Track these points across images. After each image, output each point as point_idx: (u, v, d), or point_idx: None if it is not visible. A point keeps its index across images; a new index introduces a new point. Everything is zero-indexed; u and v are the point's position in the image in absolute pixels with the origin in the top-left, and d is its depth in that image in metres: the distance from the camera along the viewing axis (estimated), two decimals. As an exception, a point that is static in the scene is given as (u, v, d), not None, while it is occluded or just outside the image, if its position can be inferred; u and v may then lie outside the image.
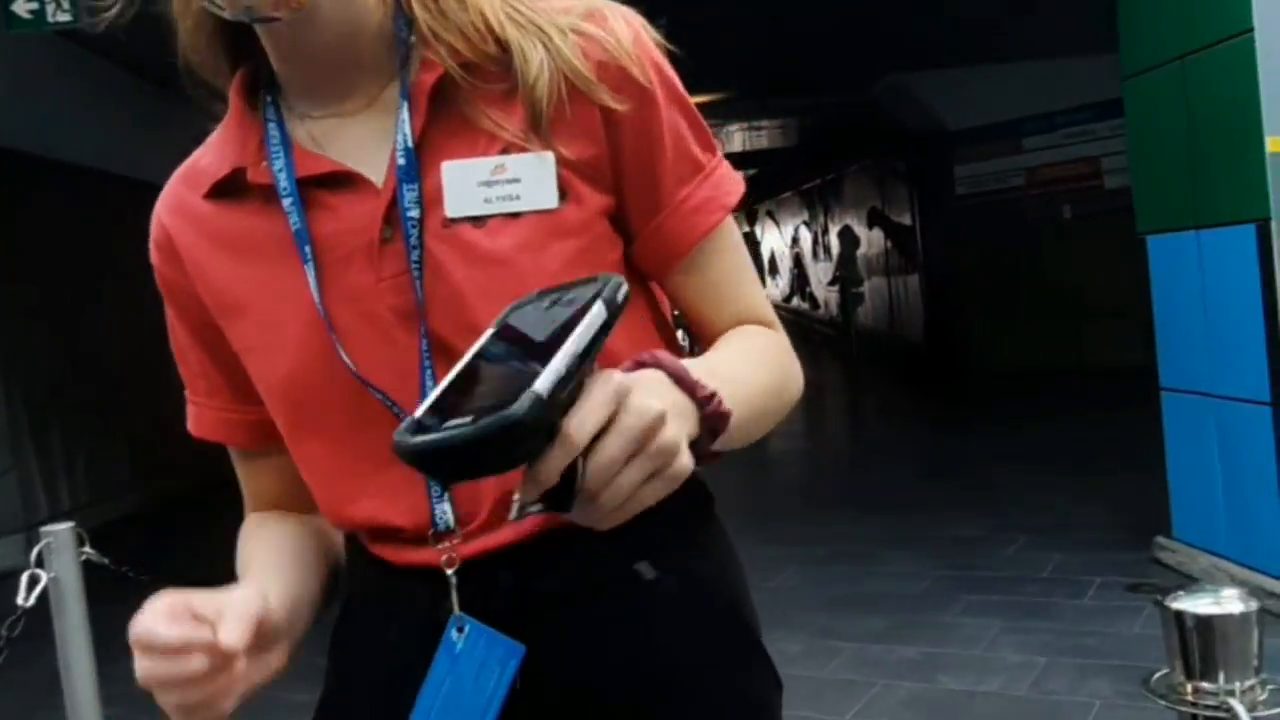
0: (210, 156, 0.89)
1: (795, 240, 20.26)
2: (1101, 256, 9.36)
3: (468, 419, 0.58)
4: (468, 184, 0.81)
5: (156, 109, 7.60)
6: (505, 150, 0.82)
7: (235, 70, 0.89)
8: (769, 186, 20.03)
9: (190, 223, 0.89)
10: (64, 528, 2.22)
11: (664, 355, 0.72)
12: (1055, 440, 6.69)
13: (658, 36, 0.87)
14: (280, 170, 0.83)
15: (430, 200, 0.82)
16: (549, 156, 0.82)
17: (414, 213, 0.81)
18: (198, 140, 0.94)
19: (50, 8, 4.56)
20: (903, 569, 4.81)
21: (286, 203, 0.83)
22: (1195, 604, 1.35)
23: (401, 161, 0.81)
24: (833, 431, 9.16)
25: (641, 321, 0.90)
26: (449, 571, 0.84)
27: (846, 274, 13.99)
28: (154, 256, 0.93)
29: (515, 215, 0.81)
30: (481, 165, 0.81)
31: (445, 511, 0.84)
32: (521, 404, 0.57)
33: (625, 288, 0.67)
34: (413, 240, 0.81)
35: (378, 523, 0.88)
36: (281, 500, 0.99)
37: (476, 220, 0.81)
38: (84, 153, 7.83)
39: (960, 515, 5.57)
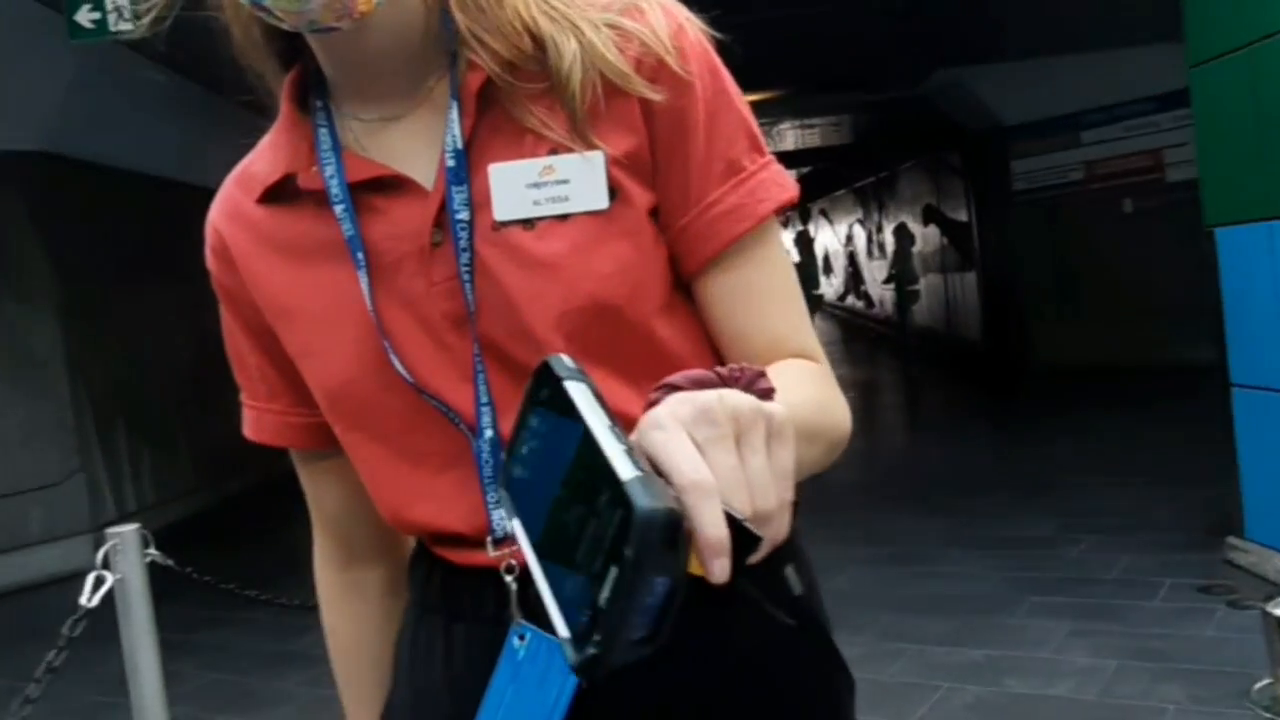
0: (262, 161, 0.89)
1: (849, 238, 20.09)
2: (1165, 250, 9.14)
3: (607, 578, 0.46)
4: (515, 186, 0.80)
5: (216, 115, 7.74)
6: (553, 151, 0.80)
7: (285, 72, 0.88)
8: (822, 185, 19.87)
9: (244, 228, 0.88)
10: (129, 529, 2.24)
11: (671, 378, 0.61)
12: (1120, 439, 6.55)
13: (704, 28, 0.83)
14: (331, 176, 0.82)
15: (479, 203, 0.80)
16: (598, 156, 0.79)
17: (463, 215, 0.79)
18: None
19: (112, 17, 4.65)
20: (966, 570, 4.72)
21: (339, 209, 0.82)
22: (1300, 609, 1.28)
23: (451, 163, 0.80)
24: (891, 431, 9.06)
25: (701, 336, 0.85)
26: (508, 578, 0.82)
27: (902, 272, 13.82)
28: (210, 262, 0.92)
29: (564, 217, 0.79)
30: (529, 167, 0.80)
31: (503, 517, 0.82)
32: (637, 502, 0.45)
33: (551, 358, 0.56)
34: (462, 243, 0.80)
35: (436, 528, 0.87)
36: (347, 511, 0.98)
37: (526, 223, 0.80)
38: (146, 160, 7.99)
39: (1023, 516, 5.47)
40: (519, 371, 0.80)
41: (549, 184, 0.79)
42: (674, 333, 0.83)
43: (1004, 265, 11.11)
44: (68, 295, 7.12)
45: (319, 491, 0.99)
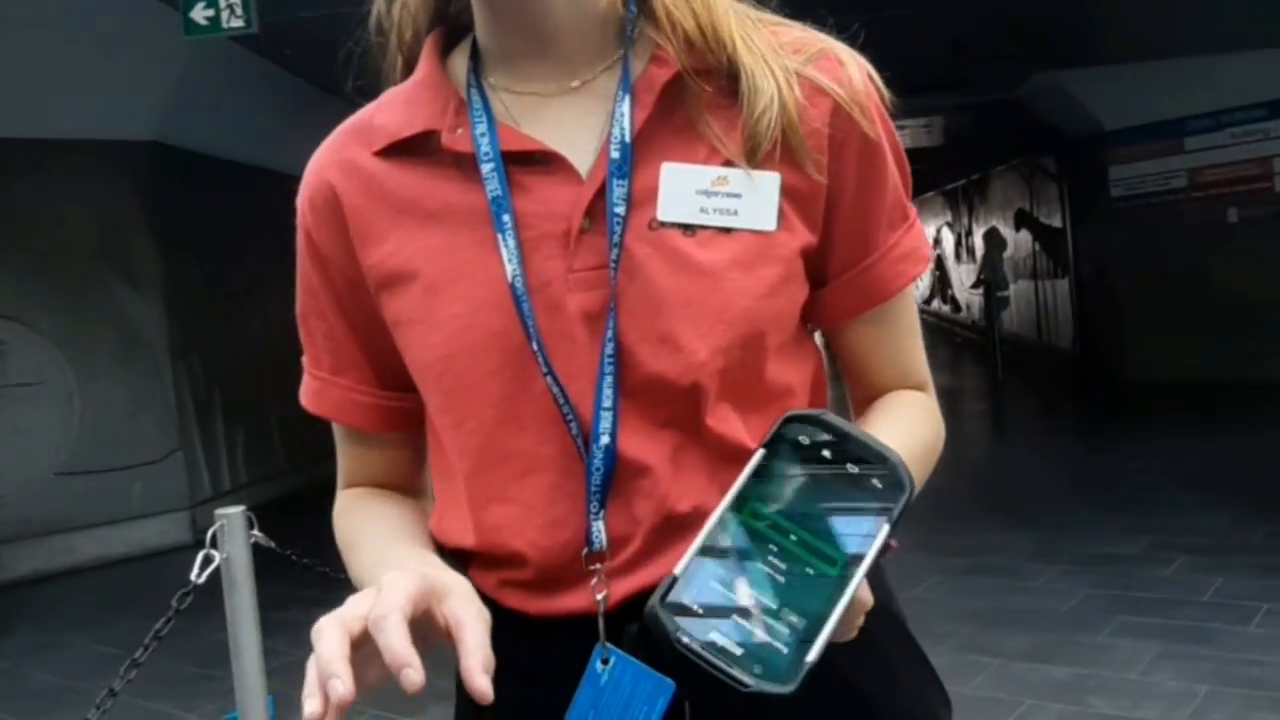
0: (392, 115, 0.84)
1: (937, 241, 19.81)
2: (1271, 263, 8.85)
3: (735, 649, 0.61)
4: (686, 190, 0.78)
5: (320, 111, 7.96)
6: (727, 163, 0.78)
7: (427, 34, 0.87)
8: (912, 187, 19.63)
9: (360, 182, 0.83)
10: (236, 511, 2.33)
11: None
12: (1218, 458, 6.35)
13: (879, 81, 0.84)
14: (483, 135, 0.80)
15: (638, 199, 0.78)
16: (775, 178, 0.79)
17: (620, 209, 0.77)
18: None
19: (225, 14, 4.81)
20: (1051, 585, 4.64)
21: (487, 168, 0.79)
22: None
23: (615, 155, 0.78)
24: (977, 440, 8.91)
25: (806, 380, 0.86)
26: (598, 597, 0.78)
27: (991, 277, 13.57)
28: (306, 216, 0.86)
29: (727, 231, 0.78)
30: (703, 173, 0.78)
31: (600, 530, 0.78)
32: (792, 684, 0.60)
33: (914, 493, 0.65)
34: (615, 238, 0.77)
35: (504, 539, 0.81)
36: (386, 486, 0.93)
37: (687, 228, 0.78)
38: (251, 151, 8.24)
39: (1113, 532, 5.34)
40: (638, 380, 0.77)
41: (720, 194, 0.78)
42: (779, 372, 0.83)
43: (1100, 274, 10.85)
44: (173, 280, 7.39)
45: (361, 465, 0.93)
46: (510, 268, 0.77)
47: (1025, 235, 13.42)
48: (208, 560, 2.29)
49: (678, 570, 0.64)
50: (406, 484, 0.94)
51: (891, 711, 0.86)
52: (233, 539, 2.30)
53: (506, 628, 0.81)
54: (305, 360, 0.92)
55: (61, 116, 6.51)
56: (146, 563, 6.62)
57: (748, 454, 0.76)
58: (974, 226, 16.31)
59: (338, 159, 0.85)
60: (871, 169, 0.82)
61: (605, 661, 0.77)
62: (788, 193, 0.80)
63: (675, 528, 0.78)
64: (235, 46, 6.40)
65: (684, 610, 0.63)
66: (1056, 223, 12.06)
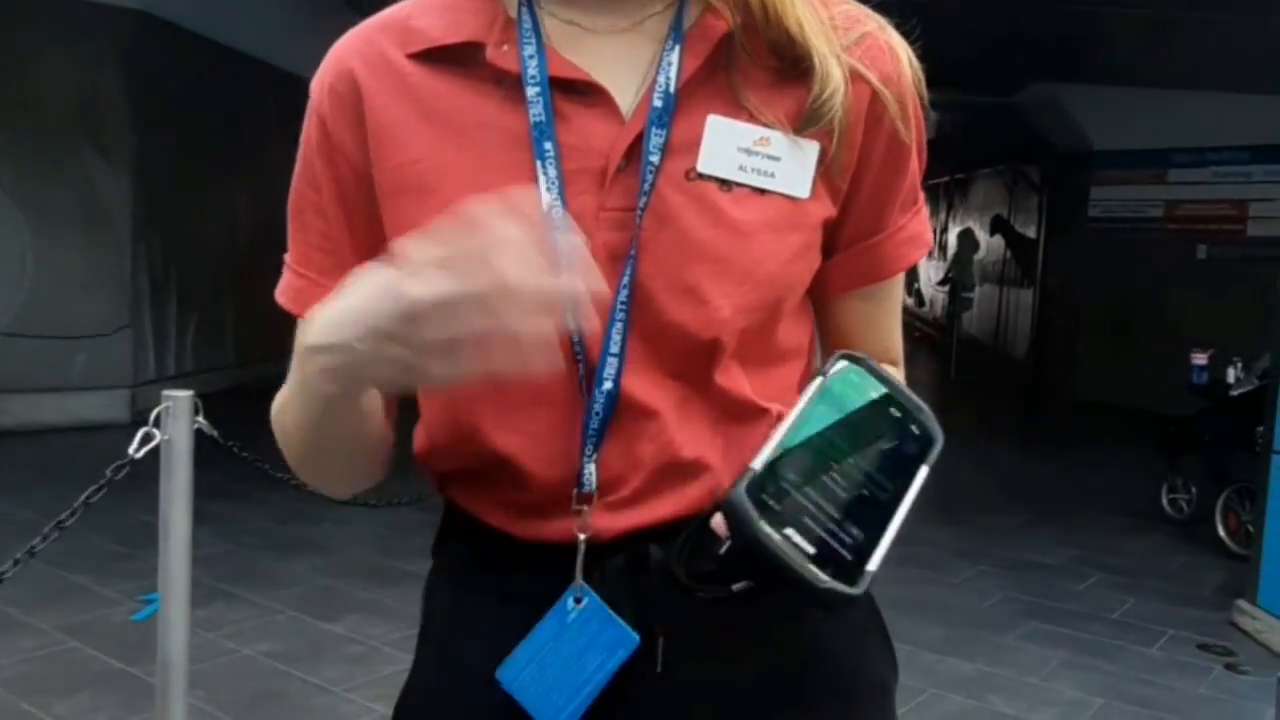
0: (431, 19, 0.81)
1: (911, 234, 19.94)
2: (1230, 303, 9.00)
3: (809, 548, 0.64)
4: (728, 145, 0.77)
5: (321, 10, 7.78)
6: (767, 126, 0.78)
7: None
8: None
9: (389, 80, 0.80)
10: (184, 394, 2.30)
11: None
12: (1149, 485, 6.49)
13: (919, 70, 0.84)
14: (531, 58, 0.77)
15: (678, 146, 0.77)
16: (814, 147, 0.79)
17: (655, 158, 0.76)
18: None
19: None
20: (970, 583, 4.75)
21: (532, 92, 0.77)
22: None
23: (658, 104, 0.77)
24: (918, 433, 9.05)
25: (805, 343, 0.88)
26: (581, 537, 0.78)
27: (958, 276, 13.70)
28: (322, 104, 0.82)
29: (762, 192, 0.78)
30: (747, 131, 0.78)
31: (591, 473, 0.78)
32: (859, 587, 0.64)
33: (941, 443, 0.72)
34: (646, 186, 0.76)
35: (508, 466, 0.80)
36: None
37: (723, 184, 0.77)
38: (241, 38, 8.04)
39: (1037, 541, 5.48)
40: (655, 327, 0.77)
41: (760, 154, 0.78)
42: (788, 335, 0.84)
43: (1064, 289, 10.99)
44: (145, 156, 7.23)
45: None
46: (548, 198, 0.75)
47: (998, 240, 13.54)
48: (147, 438, 2.27)
49: (757, 465, 0.66)
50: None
51: (851, 672, 0.88)
52: (176, 422, 2.28)
53: (489, 546, 0.81)
54: (289, 256, 0.87)
55: (49, -31, 6.31)
56: (79, 435, 6.54)
57: (751, 410, 0.78)
58: (950, 224, 16.41)
59: (366, 50, 0.81)
60: (897, 156, 0.84)
61: (578, 601, 0.77)
62: (826, 166, 0.80)
63: (675, 473, 0.78)
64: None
65: (761, 504, 0.65)
66: (1031, 233, 12.17)
